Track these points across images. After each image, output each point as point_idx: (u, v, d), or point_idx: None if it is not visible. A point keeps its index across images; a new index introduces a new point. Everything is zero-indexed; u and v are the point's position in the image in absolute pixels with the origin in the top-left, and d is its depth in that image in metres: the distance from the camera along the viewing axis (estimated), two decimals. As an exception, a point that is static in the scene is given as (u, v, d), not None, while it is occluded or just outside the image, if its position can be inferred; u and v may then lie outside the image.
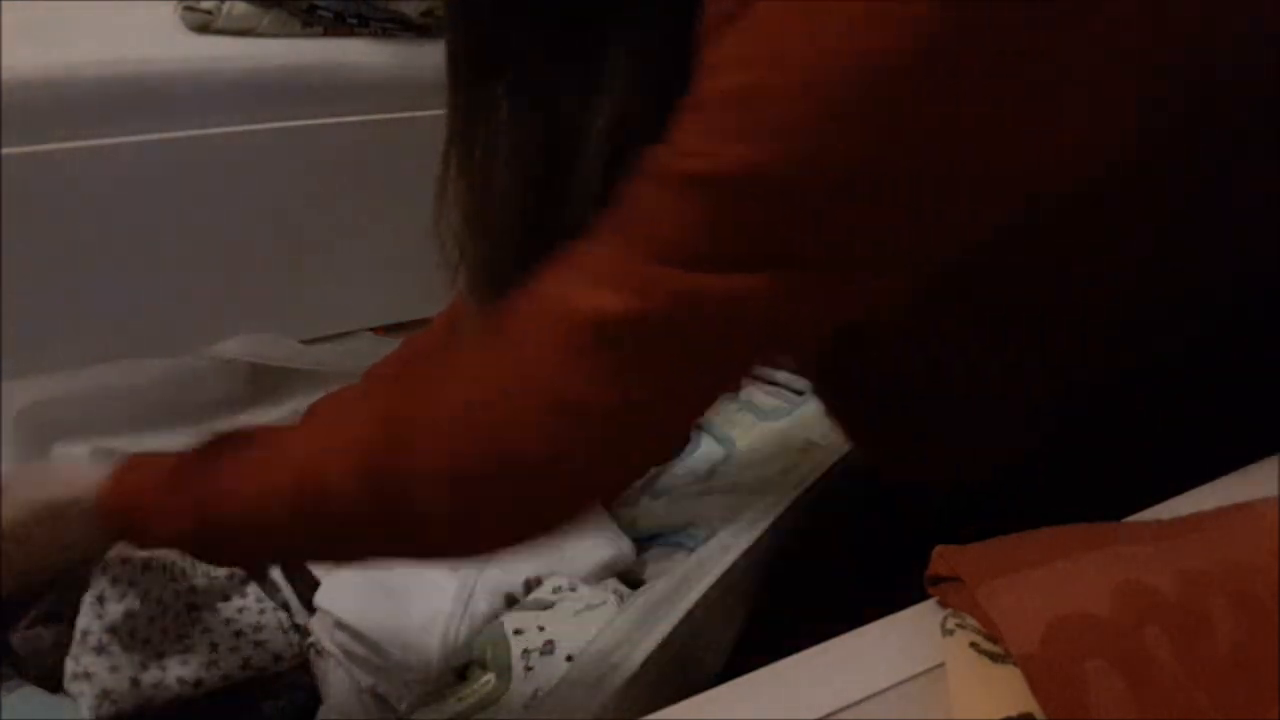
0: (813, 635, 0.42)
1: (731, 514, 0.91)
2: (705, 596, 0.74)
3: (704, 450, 1.03)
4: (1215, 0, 0.46)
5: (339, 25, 1.01)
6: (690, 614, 0.72)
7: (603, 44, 0.50)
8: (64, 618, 0.75)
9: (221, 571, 0.83)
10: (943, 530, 0.45)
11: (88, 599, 0.75)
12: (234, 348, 1.00)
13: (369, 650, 0.78)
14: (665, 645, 0.68)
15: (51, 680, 0.74)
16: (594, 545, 0.87)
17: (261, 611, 0.82)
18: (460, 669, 0.78)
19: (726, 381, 0.51)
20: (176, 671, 0.75)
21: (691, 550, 0.88)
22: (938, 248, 0.45)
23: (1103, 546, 0.41)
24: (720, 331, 0.45)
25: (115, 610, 0.75)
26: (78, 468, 0.73)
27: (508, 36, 0.54)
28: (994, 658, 0.38)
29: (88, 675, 0.71)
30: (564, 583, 0.81)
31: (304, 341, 1.05)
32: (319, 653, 0.82)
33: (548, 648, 0.74)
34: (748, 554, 0.79)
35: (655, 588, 0.74)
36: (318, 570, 0.88)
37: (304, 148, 0.98)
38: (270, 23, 0.99)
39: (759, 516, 0.83)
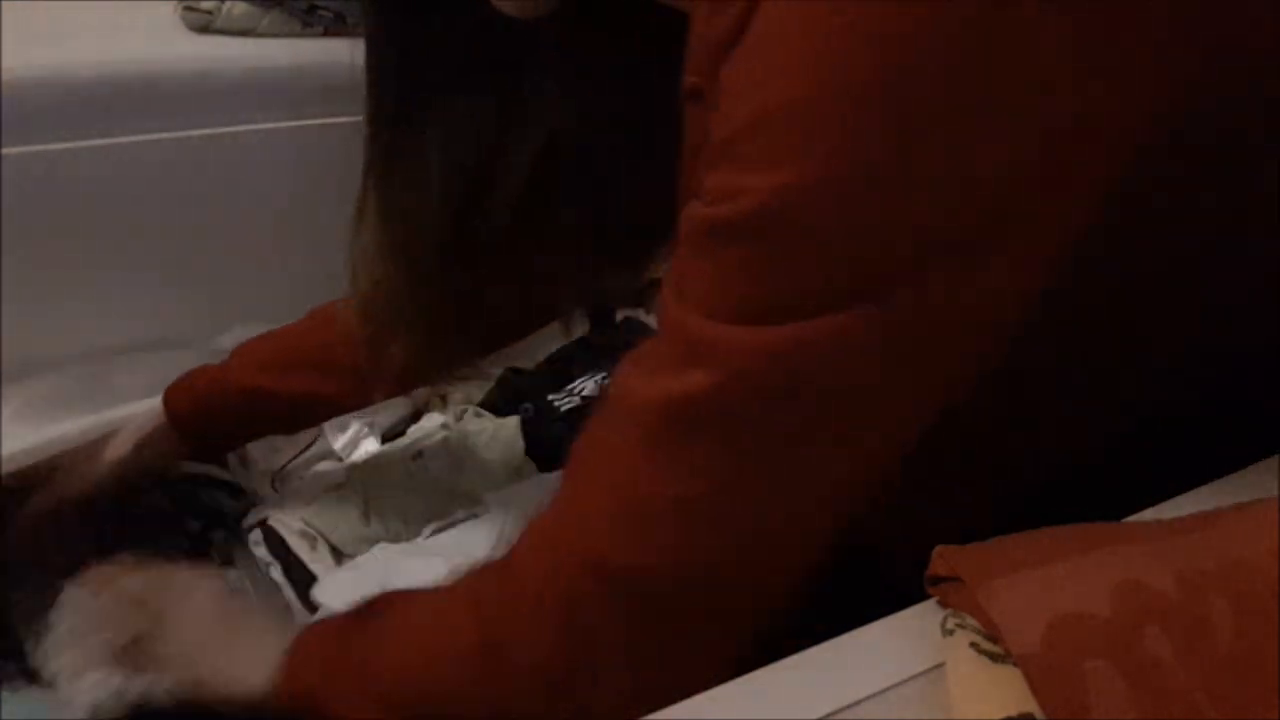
0: (811, 636, 0.42)
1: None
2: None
3: (704, 450, 1.03)
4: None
5: (339, 25, 1.01)
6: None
7: (518, 79, 0.49)
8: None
9: None
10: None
11: (44, 622, 0.75)
12: (232, 341, 1.00)
13: (369, 650, 0.78)
14: None
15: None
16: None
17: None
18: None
19: (849, 452, 0.42)
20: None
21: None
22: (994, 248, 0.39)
23: (1103, 546, 0.41)
24: (821, 391, 0.39)
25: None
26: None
27: (427, 76, 0.53)
28: (994, 658, 0.38)
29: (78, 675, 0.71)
30: (564, 583, 0.81)
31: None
32: (319, 653, 0.82)
33: (548, 648, 0.74)
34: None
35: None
36: (316, 567, 0.88)
37: (304, 148, 0.98)
38: (270, 23, 0.99)
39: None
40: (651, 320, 1.28)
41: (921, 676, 0.40)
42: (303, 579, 0.88)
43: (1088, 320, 0.49)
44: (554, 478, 0.96)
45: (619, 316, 1.29)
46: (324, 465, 1.00)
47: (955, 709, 0.37)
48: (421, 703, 0.50)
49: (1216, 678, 0.36)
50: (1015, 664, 0.37)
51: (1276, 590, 0.37)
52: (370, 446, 1.05)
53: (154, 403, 0.90)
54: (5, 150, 0.85)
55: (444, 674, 0.50)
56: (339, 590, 0.82)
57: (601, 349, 1.17)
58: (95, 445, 0.85)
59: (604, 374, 1.11)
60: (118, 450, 0.85)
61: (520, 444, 1.02)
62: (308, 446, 1.05)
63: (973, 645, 0.39)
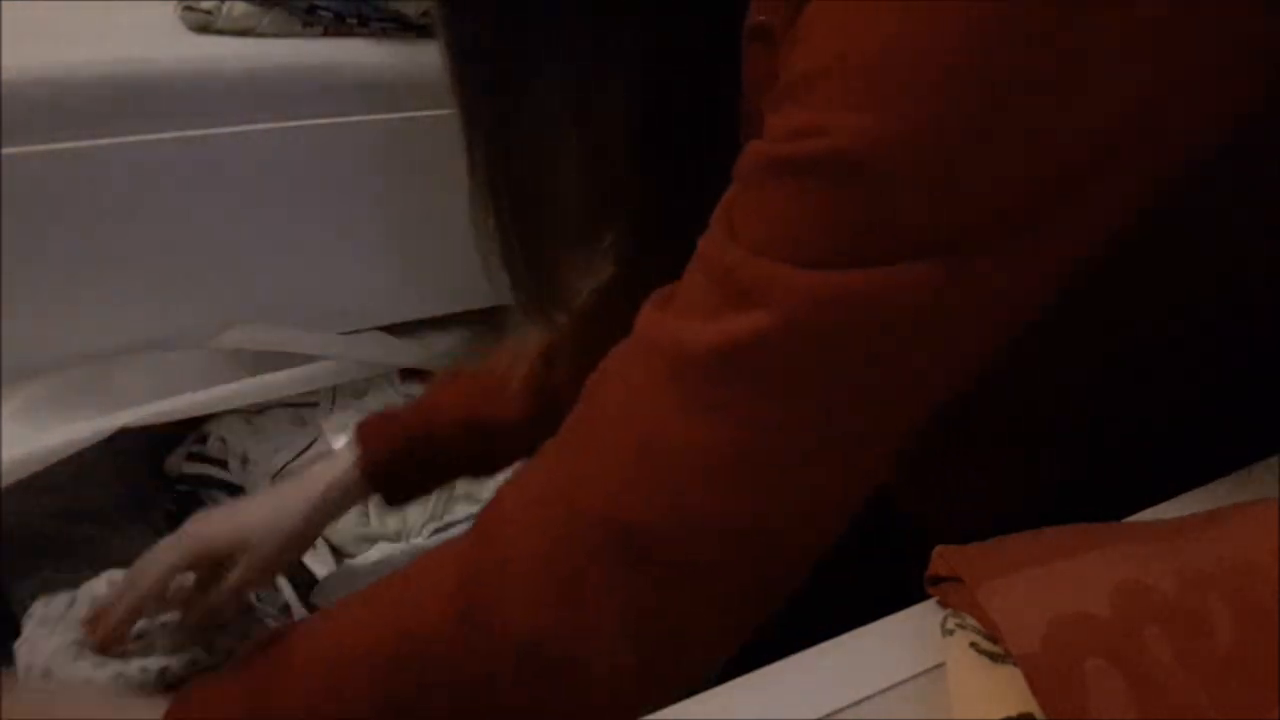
0: (810, 636, 0.42)
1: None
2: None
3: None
4: None
5: (339, 25, 1.01)
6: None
7: (607, 46, 0.49)
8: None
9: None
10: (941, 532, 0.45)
11: (18, 646, 0.76)
12: (233, 339, 1.00)
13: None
14: None
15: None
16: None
17: None
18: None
19: (898, 413, 0.40)
20: (139, 662, 0.74)
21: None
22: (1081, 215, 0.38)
23: (1103, 546, 0.41)
24: (885, 340, 0.38)
25: (51, 644, 0.75)
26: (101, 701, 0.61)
27: (517, 50, 0.52)
28: (994, 658, 0.38)
29: (47, 674, 0.72)
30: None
31: (304, 341, 1.05)
32: (319, 653, 0.82)
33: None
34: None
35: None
36: (316, 567, 0.88)
37: (304, 148, 0.98)
38: (270, 23, 0.99)
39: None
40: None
41: (921, 676, 0.40)
42: (303, 579, 0.88)
43: (1126, 300, 0.49)
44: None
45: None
46: (324, 465, 1.00)
47: (955, 709, 0.37)
48: (378, 691, 0.44)
49: (1216, 678, 0.36)
50: (1015, 664, 0.37)
51: (1276, 590, 0.37)
52: (370, 446, 1.04)
53: (157, 408, 0.90)
54: (5, 150, 0.85)
55: (410, 652, 0.44)
56: (339, 590, 0.82)
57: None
58: (266, 500, 0.76)
59: (604, 374, 1.11)
60: (302, 506, 0.74)
61: (520, 444, 1.02)
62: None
63: (973, 645, 0.39)
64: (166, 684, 0.72)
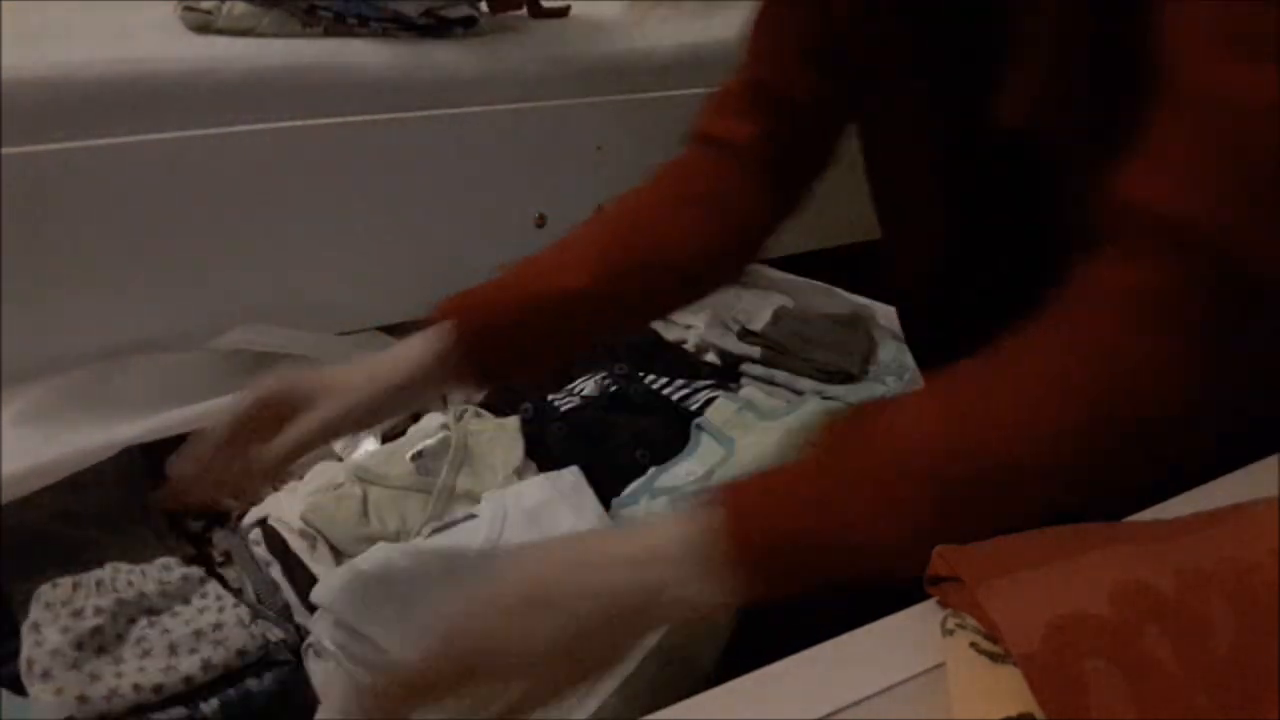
0: (808, 637, 0.42)
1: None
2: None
3: (704, 450, 1.03)
4: None
5: (339, 25, 1.01)
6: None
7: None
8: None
9: (174, 575, 0.83)
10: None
11: (25, 630, 0.76)
12: (233, 339, 1.00)
13: (369, 650, 0.78)
14: (660, 645, 0.68)
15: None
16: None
17: (220, 609, 0.82)
18: (460, 669, 0.78)
19: None
20: (133, 679, 0.75)
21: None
22: None
23: (1103, 546, 0.41)
24: None
25: (53, 636, 0.75)
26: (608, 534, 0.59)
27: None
28: (994, 658, 0.38)
29: (38, 701, 0.72)
30: (564, 583, 0.81)
31: (304, 341, 1.05)
32: (318, 653, 0.82)
33: (548, 648, 0.74)
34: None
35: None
36: (316, 567, 0.88)
37: (304, 148, 0.98)
38: (270, 23, 0.99)
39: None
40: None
41: (921, 676, 0.40)
42: (303, 579, 0.88)
43: None
44: (554, 477, 0.96)
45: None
46: (324, 465, 1.00)
47: (955, 709, 0.37)
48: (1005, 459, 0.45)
49: (1216, 678, 0.36)
50: (1015, 664, 0.37)
51: (1276, 590, 0.37)
52: (370, 446, 1.05)
53: (160, 421, 0.89)
54: (5, 150, 0.85)
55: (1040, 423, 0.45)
56: (339, 590, 0.82)
57: (601, 349, 1.17)
58: (349, 372, 0.69)
59: (603, 374, 1.11)
60: (385, 375, 0.69)
61: (520, 444, 1.02)
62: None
63: (973, 645, 0.39)
64: None
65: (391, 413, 0.72)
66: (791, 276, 1.33)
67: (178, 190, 0.93)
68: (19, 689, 0.74)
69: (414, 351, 0.70)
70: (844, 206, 1.39)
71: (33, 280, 0.89)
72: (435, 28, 1.04)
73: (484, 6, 1.08)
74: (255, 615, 0.83)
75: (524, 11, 1.16)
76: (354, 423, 0.69)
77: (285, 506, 0.93)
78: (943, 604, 0.42)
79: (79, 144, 0.87)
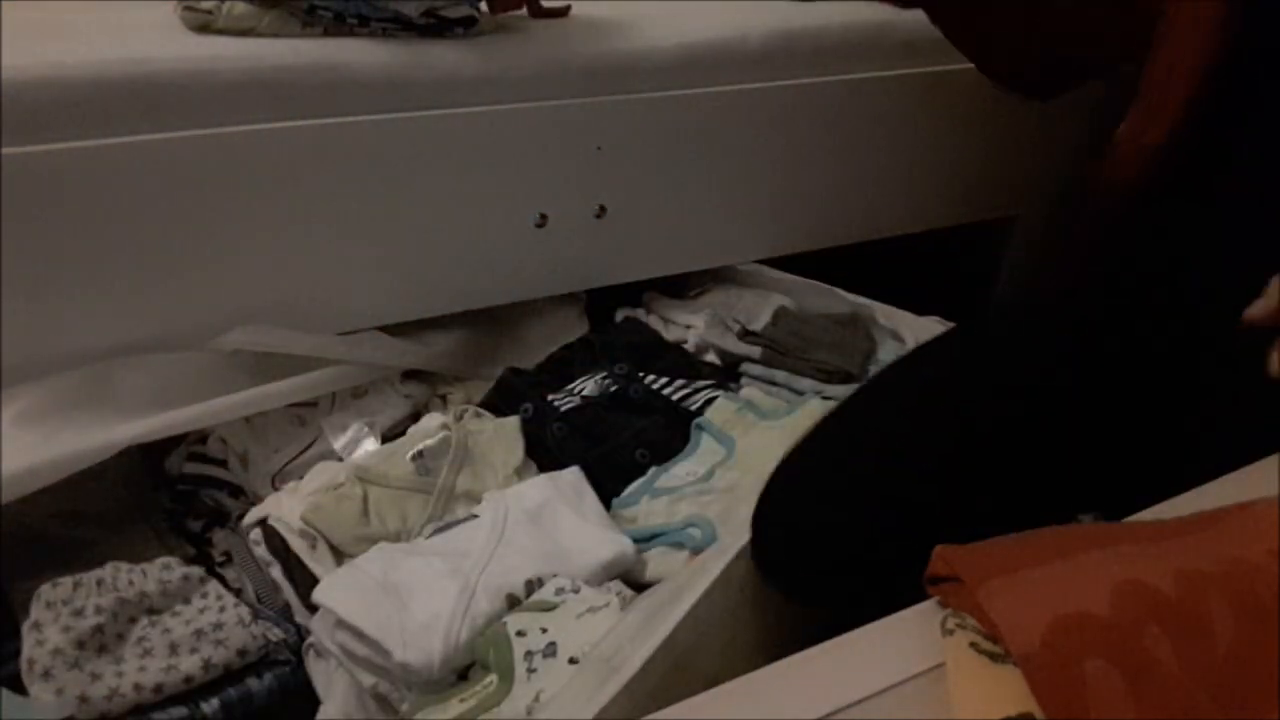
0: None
1: (731, 514, 0.91)
2: (705, 597, 0.74)
3: (704, 450, 1.03)
4: None
5: (339, 25, 1.01)
6: (691, 614, 0.72)
7: None
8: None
9: (174, 575, 0.83)
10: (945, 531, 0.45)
11: (26, 629, 0.76)
12: (233, 339, 1.00)
13: (370, 650, 0.78)
14: (665, 648, 0.68)
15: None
16: (595, 546, 0.87)
17: (221, 609, 0.82)
18: (462, 670, 0.78)
19: None
20: (133, 679, 0.75)
21: (691, 550, 0.88)
22: None
23: (1103, 546, 0.41)
24: None
25: (54, 635, 0.75)
26: None
27: None
28: (994, 658, 0.38)
29: (39, 701, 0.72)
30: (566, 584, 0.81)
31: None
32: (319, 653, 0.82)
33: (550, 649, 0.74)
34: (744, 552, 0.79)
35: (658, 591, 0.74)
36: (316, 567, 0.88)
37: (304, 148, 0.98)
38: (270, 23, 0.99)
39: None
40: (652, 320, 1.28)
41: (921, 676, 0.40)
42: (303, 579, 0.88)
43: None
44: (554, 477, 0.96)
45: (619, 316, 1.30)
46: (324, 465, 1.00)
47: (955, 709, 0.37)
48: None
49: (1216, 677, 0.36)
50: (1015, 664, 0.37)
51: (1276, 590, 0.37)
52: (370, 446, 1.05)
53: (160, 421, 0.90)
54: (5, 150, 0.85)
55: None
56: (339, 590, 0.82)
57: (601, 349, 1.17)
58: None
59: (603, 374, 1.11)
60: None
61: (520, 444, 1.02)
62: (308, 446, 1.05)
63: (973, 645, 0.39)
64: None
65: None
66: (791, 276, 1.33)
67: (178, 190, 0.93)
68: (20, 689, 0.74)
69: None
70: (844, 206, 1.39)
71: (33, 280, 0.89)
72: (435, 28, 1.04)
73: (484, 6, 1.08)
74: (256, 615, 0.84)
75: (524, 11, 1.16)
76: None
77: (285, 506, 0.94)
78: (943, 604, 0.42)
79: (79, 144, 0.87)
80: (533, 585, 0.82)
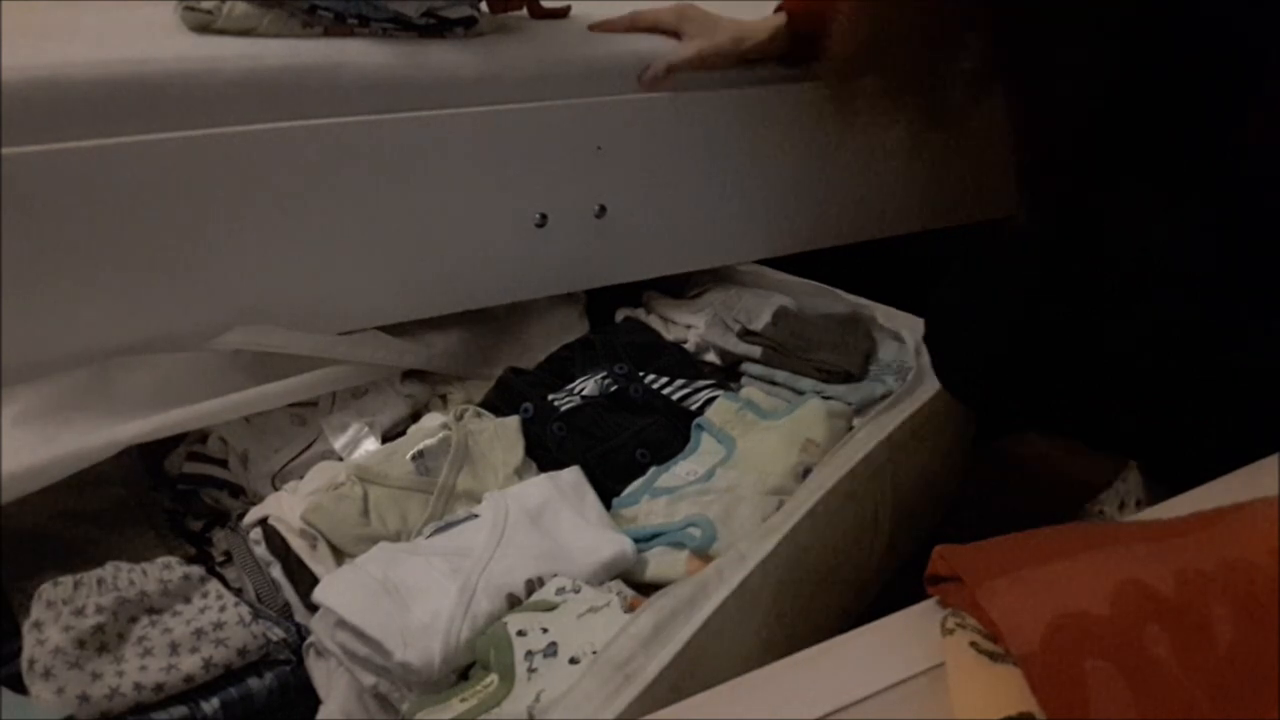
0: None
1: (731, 514, 0.91)
2: (723, 606, 0.74)
3: (704, 450, 1.03)
4: None
5: (339, 25, 1.01)
6: (706, 624, 0.72)
7: None
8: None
9: (175, 574, 0.83)
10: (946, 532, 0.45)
11: (27, 629, 0.76)
12: (233, 339, 1.00)
13: (370, 649, 0.78)
14: (680, 656, 0.68)
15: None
16: (595, 545, 0.87)
17: (222, 609, 0.82)
18: (462, 670, 0.78)
19: None
20: (134, 678, 0.75)
21: (691, 550, 0.88)
22: None
23: (1103, 546, 0.41)
24: None
25: (55, 635, 0.75)
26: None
27: None
28: (994, 658, 0.38)
29: (39, 701, 0.72)
30: (567, 584, 0.82)
31: (304, 341, 1.05)
32: (319, 653, 0.82)
33: (551, 649, 0.74)
34: (764, 564, 0.79)
35: (669, 595, 0.74)
36: (316, 567, 0.88)
37: (304, 148, 0.98)
38: (270, 23, 0.99)
39: (775, 526, 0.84)
40: (652, 320, 1.28)
41: (921, 676, 0.40)
42: (303, 579, 0.88)
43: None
44: (555, 477, 0.96)
45: (619, 316, 1.30)
46: (324, 465, 1.00)
47: (955, 709, 0.38)
48: None
49: (1216, 677, 0.36)
50: (1015, 664, 0.37)
51: (1276, 590, 0.37)
52: (370, 446, 1.05)
53: (161, 421, 0.90)
54: (5, 150, 0.85)
55: None
56: (339, 590, 0.82)
57: (601, 349, 1.17)
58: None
59: (603, 374, 1.11)
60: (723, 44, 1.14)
61: (520, 444, 1.02)
62: (308, 446, 1.05)
63: (973, 645, 0.39)
64: None
65: (736, 59, 1.18)
66: (791, 277, 1.33)
67: (178, 190, 0.93)
68: (20, 688, 0.74)
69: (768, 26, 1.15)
70: (844, 206, 1.39)
71: (33, 280, 0.89)
72: (435, 28, 1.04)
73: (484, 6, 1.08)
74: (256, 615, 0.84)
75: (524, 11, 1.16)
76: (721, 47, 1.16)
77: (285, 506, 0.94)
78: (943, 604, 0.42)
79: (79, 144, 0.87)
80: (533, 585, 0.82)
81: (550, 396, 1.08)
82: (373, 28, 1.02)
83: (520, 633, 0.76)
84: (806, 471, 0.96)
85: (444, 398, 1.15)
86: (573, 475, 0.97)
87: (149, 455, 1.05)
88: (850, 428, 1.04)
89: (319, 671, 0.82)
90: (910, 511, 1.07)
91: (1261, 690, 0.35)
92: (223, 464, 1.03)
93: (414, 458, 0.97)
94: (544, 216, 1.15)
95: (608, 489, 0.98)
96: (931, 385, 1.05)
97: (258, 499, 0.99)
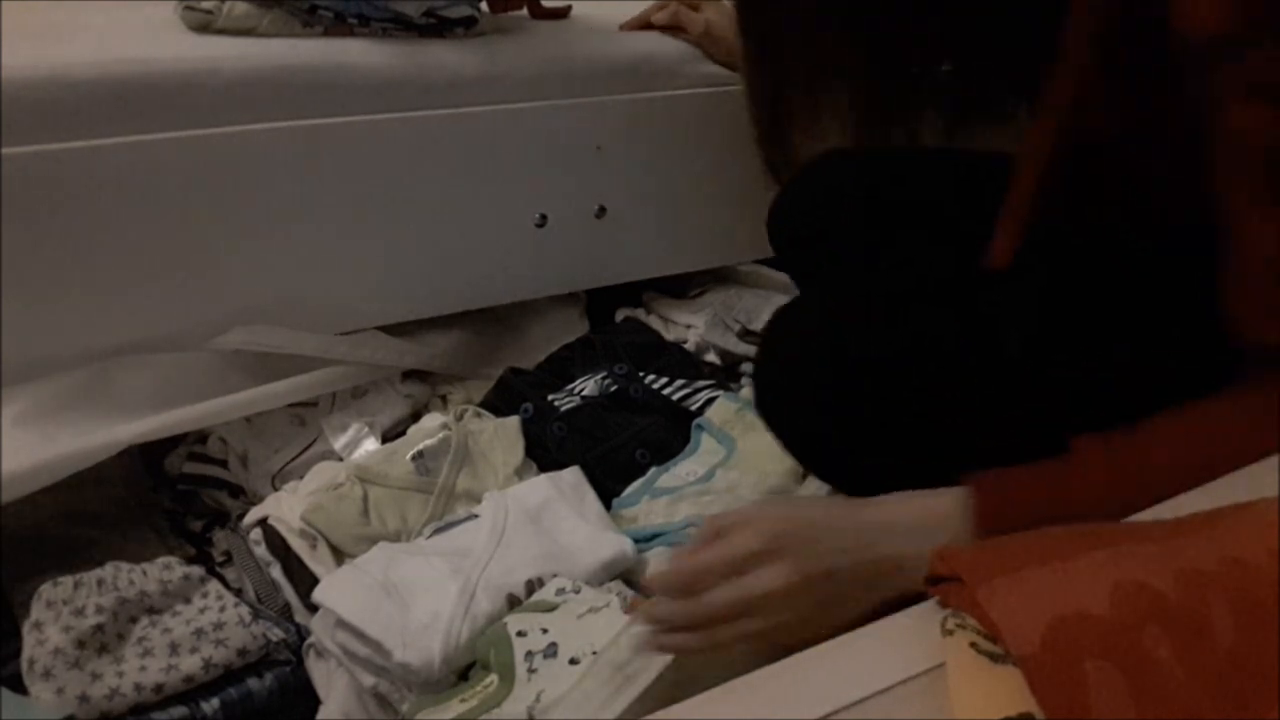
0: None
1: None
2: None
3: (704, 450, 1.03)
4: None
5: (339, 25, 1.01)
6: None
7: None
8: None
9: (175, 574, 0.83)
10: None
11: (27, 629, 0.76)
12: (233, 339, 1.00)
13: (370, 650, 0.78)
14: (679, 662, 0.68)
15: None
16: (595, 546, 0.87)
17: (222, 609, 0.82)
18: (462, 670, 0.78)
19: None
20: (134, 678, 0.75)
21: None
22: None
23: (1103, 546, 0.41)
24: None
25: (55, 635, 0.75)
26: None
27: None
28: (994, 658, 0.38)
29: (39, 701, 0.72)
30: (567, 584, 0.81)
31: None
32: (319, 653, 0.82)
33: (551, 650, 0.74)
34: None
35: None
36: (316, 567, 0.89)
37: (304, 148, 0.98)
38: (270, 23, 0.99)
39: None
40: (652, 320, 1.28)
41: (921, 676, 0.40)
42: (303, 579, 0.88)
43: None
44: (555, 477, 0.96)
45: (619, 316, 1.30)
46: (324, 465, 1.00)
47: (955, 709, 0.37)
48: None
49: (1216, 678, 0.36)
50: (1015, 664, 0.37)
51: (1276, 590, 0.37)
52: (370, 446, 1.05)
53: (161, 420, 0.91)
54: (5, 150, 0.85)
55: None
56: (339, 590, 0.82)
57: (601, 349, 1.17)
58: None
59: (603, 374, 1.11)
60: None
61: (520, 444, 1.02)
62: (308, 446, 1.05)
63: (973, 645, 0.39)
64: None
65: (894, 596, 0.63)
66: (791, 276, 1.33)
67: (178, 190, 0.93)
68: (20, 688, 0.74)
69: (939, 509, 0.60)
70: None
71: (33, 280, 0.89)
72: (435, 28, 1.04)
73: (484, 6, 1.08)
74: (256, 615, 0.84)
75: (524, 11, 1.16)
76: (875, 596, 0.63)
77: (285, 506, 0.94)
78: (943, 604, 0.42)
79: (79, 144, 0.87)
80: (533, 585, 0.82)
81: (550, 396, 1.08)
82: (373, 27, 1.02)
83: (520, 633, 0.76)
84: (806, 472, 0.96)
85: (444, 398, 1.15)
86: (573, 475, 0.97)
87: (149, 455, 1.05)
88: (850, 428, 1.04)
89: (319, 672, 0.82)
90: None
91: (1262, 691, 0.35)
92: (223, 464, 1.03)
93: (414, 458, 0.97)
94: (544, 217, 1.15)
95: (608, 489, 0.98)
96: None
97: (258, 499, 0.99)
